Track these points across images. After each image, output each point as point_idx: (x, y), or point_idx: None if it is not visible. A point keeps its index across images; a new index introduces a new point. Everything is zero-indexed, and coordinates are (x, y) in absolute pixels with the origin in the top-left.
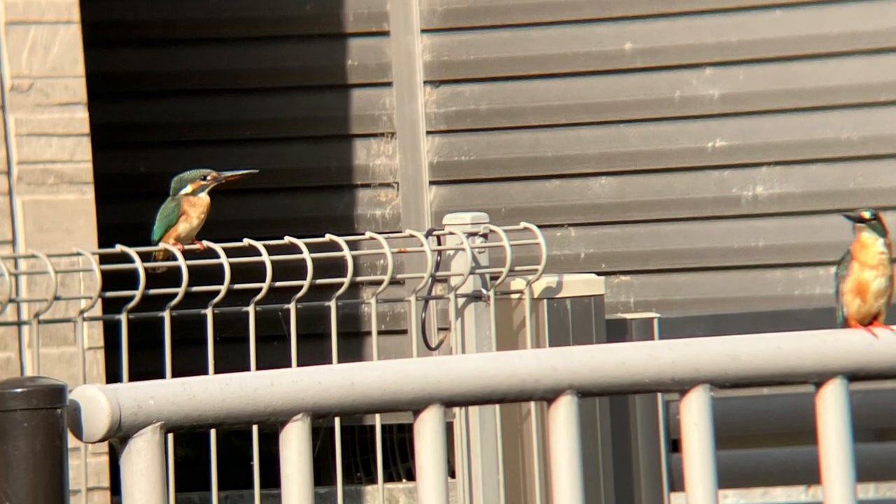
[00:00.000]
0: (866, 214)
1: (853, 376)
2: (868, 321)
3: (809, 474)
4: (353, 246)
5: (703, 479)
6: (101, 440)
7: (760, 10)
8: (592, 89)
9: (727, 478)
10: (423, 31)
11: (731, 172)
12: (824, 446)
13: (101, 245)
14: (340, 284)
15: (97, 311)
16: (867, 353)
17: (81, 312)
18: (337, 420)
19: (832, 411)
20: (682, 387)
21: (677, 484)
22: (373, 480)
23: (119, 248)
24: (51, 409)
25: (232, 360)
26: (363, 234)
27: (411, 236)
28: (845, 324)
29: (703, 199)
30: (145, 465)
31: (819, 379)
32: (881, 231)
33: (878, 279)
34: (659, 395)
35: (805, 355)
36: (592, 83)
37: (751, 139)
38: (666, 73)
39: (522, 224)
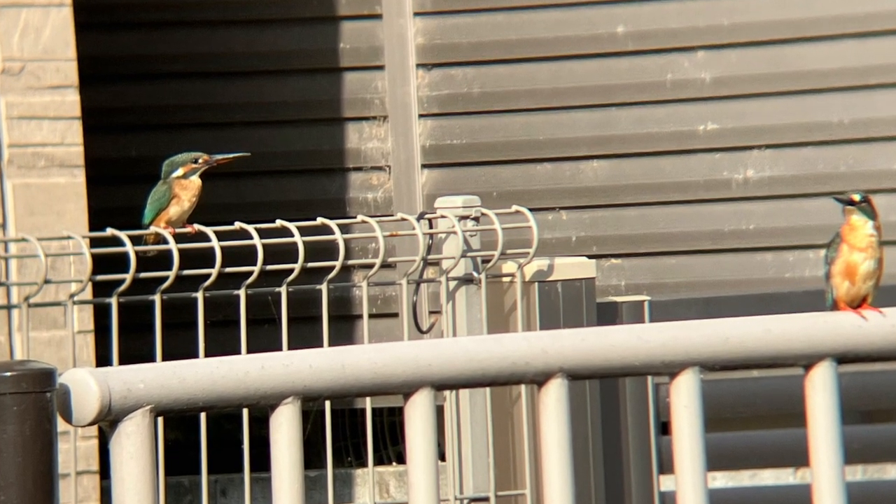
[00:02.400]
0: (856, 197)
1: (842, 359)
2: (857, 303)
3: (798, 456)
4: (344, 229)
5: (692, 461)
6: (91, 424)
7: None
8: (584, 72)
9: (716, 460)
10: (416, 14)
11: (722, 155)
12: (813, 428)
13: (91, 228)
14: (332, 268)
15: (87, 294)
16: (856, 336)
17: (72, 296)
18: (327, 403)
19: (821, 393)
20: (671, 370)
21: (666, 466)
22: (363, 464)
23: (110, 231)
24: (40, 393)
25: (222, 344)
26: (355, 217)
27: (403, 220)
28: (834, 306)
29: (694, 182)
30: (135, 449)
31: (808, 361)
32: (871, 214)
33: (867, 262)
34: (648, 377)
35: (794, 338)
36: (584, 66)
37: (742, 122)
38: (658, 56)
39: (514, 207)
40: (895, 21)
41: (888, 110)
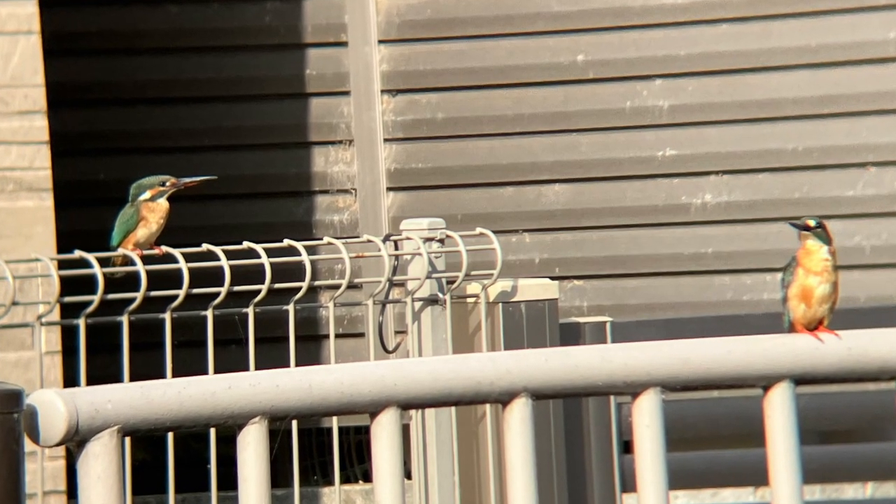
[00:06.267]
0: (811, 223)
1: (800, 380)
2: (813, 326)
3: (758, 476)
4: (311, 251)
5: (654, 480)
6: (58, 444)
7: (708, 24)
8: (546, 99)
9: (678, 479)
10: (381, 41)
11: (681, 181)
12: (772, 448)
13: (60, 251)
14: (299, 288)
15: (55, 316)
16: (813, 357)
17: (39, 317)
18: (294, 422)
19: (779, 414)
20: (633, 389)
21: (629, 485)
22: (330, 482)
23: (78, 253)
24: (7, 414)
25: (190, 364)
26: (321, 239)
27: (369, 241)
28: (792, 328)
29: (653, 206)
30: (102, 469)
31: (767, 382)
32: (826, 239)
33: (822, 285)
34: (611, 397)
35: (753, 359)
36: (546, 93)
37: (699, 149)
38: (617, 84)
39: (478, 230)
40: (846, 53)
41: (840, 138)
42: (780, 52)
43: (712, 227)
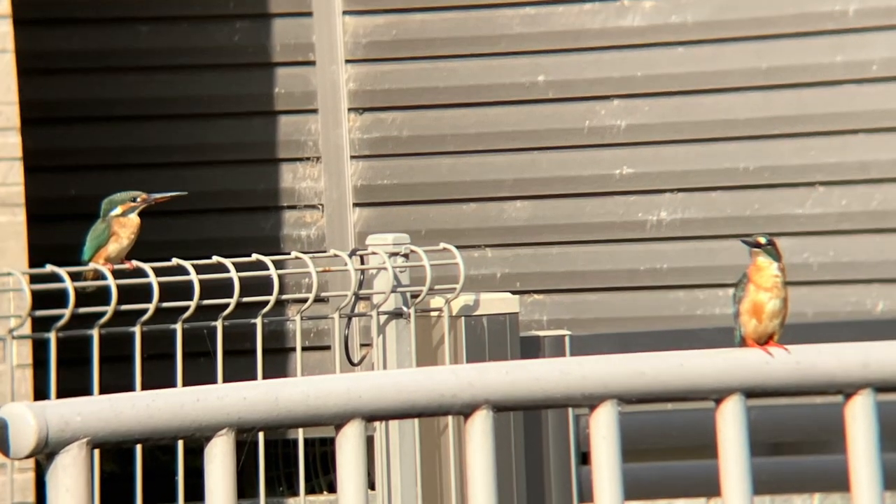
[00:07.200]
0: (762, 240)
1: (750, 393)
2: (764, 340)
3: (710, 486)
4: (278, 265)
5: (610, 490)
6: (28, 456)
7: (663, 47)
8: (508, 118)
9: (633, 489)
10: (348, 61)
11: (637, 198)
12: (724, 459)
13: (32, 265)
14: (266, 302)
15: (26, 329)
16: (763, 371)
17: (11, 331)
18: (261, 434)
19: (731, 426)
20: (591, 401)
21: (587, 495)
22: (295, 493)
23: (49, 268)
24: None
25: (159, 377)
26: (289, 253)
27: (335, 256)
28: (743, 343)
29: (611, 223)
30: (71, 481)
31: (719, 395)
32: (776, 256)
33: (772, 301)
34: (570, 409)
35: (706, 372)
36: (508, 112)
37: (655, 167)
38: (576, 104)
39: (442, 245)
40: (795, 75)
41: (790, 158)
42: (732, 75)
43: (667, 244)
